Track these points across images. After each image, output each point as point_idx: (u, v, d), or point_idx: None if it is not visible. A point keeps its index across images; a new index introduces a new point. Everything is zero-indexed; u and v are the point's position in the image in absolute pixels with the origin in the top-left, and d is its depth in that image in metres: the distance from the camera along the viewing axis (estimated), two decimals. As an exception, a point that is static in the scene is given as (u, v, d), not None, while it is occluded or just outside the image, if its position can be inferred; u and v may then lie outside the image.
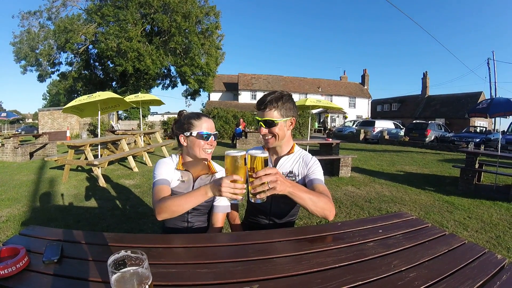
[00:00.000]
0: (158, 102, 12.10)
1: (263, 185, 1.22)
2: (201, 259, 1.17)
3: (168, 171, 1.66)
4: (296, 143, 1.85)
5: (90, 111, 8.20)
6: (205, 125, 1.62)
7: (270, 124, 1.62)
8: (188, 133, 1.60)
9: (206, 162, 1.74)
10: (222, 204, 1.72)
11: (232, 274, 1.05)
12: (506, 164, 7.49)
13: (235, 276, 1.03)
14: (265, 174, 1.21)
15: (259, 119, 1.65)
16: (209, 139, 1.60)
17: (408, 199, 5.43)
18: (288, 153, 1.76)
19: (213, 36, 27.86)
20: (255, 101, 1.70)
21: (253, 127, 17.32)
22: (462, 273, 1.09)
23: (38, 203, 4.88)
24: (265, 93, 1.66)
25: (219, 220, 1.72)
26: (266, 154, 1.25)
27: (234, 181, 1.22)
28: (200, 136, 1.59)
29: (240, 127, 15.70)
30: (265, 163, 1.24)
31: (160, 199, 1.46)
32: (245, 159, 1.24)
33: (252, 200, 1.27)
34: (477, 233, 3.87)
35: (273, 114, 1.61)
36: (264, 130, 1.63)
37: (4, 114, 19.82)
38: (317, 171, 1.73)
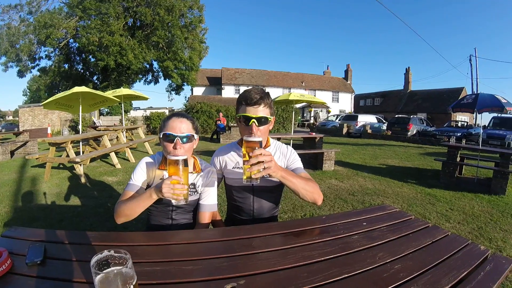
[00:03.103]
0: (142, 98, 11.97)
1: (259, 164, 1.24)
2: (187, 256, 1.16)
3: (147, 174, 1.62)
4: (280, 138, 1.85)
5: (82, 106, 8.05)
6: (171, 125, 1.53)
7: (264, 121, 1.56)
8: (160, 135, 1.55)
9: (192, 161, 1.71)
10: (208, 202, 1.70)
11: (218, 270, 1.04)
12: (487, 157, 7.68)
13: (221, 272, 1.03)
14: (261, 154, 1.24)
15: (252, 116, 1.53)
16: (174, 140, 1.49)
17: (391, 192, 5.52)
18: (265, 147, 1.74)
19: (196, 30, 27.58)
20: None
21: (232, 123, 16.87)
22: (447, 264, 1.11)
23: (20, 203, 4.75)
24: (248, 88, 1.62)
25: (205, 217, 1.70)
26: (260, 139, 1.29)
27: (175, 183, 1.24)
28: (165, 137, 1.52)
29: (221, 121, 15.55)
30: (260, 146, 1.29)
31: (117, 203, 1.47)
32: (186, 161, 1.27)
33: (245, 182, 1.29)
34: (459, 225, 3.96)
35: (267, 111, 1.58)
36: (256, 128, 1.53)
37: (-17, 112, 19.22)
38: (296, 160, 1.76)
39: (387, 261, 1.12)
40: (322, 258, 1.14)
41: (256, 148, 1.26)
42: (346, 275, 1.01)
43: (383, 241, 1.31)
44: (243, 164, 1.28)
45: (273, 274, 1.03)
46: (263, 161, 1.25)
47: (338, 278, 1.00)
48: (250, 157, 1.24)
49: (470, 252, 1.24)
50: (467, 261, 1.14)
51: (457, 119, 24.61)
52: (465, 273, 1.05)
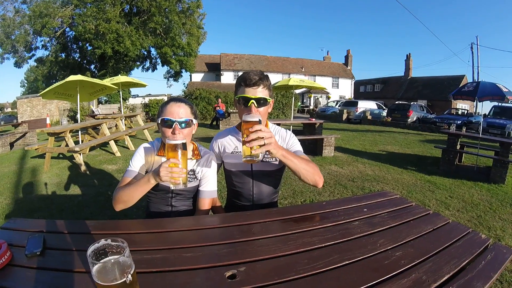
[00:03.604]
0: (141, 85, 11.93)
1: (259, 140, 1.22)
2: (186, 243, 1.15)
3: (146, 160, 1.61)
4: (280, 123, 1.84)
5: (81, 95, 8.11)
6: (169, 110, 1.51)
7: (263, 102, 1.55)
8: (158, 120, 1.53)
9: (191, 147, 1.70)
10: (208, 189, 1.69)
11: (218, 257, 1.04)
12: (487, 146, 7.65)
13: (221, 259, 1.02)
14: (261, 130, 1.22)
15: (252, 97, 1.52)
16: (172, 126, 1.47)
17: (390, 178, 5.53)
18: None
19: (194, 15, 27.24)
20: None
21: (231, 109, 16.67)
22: (448, 252, 1.11)
23: (21, 194, 4.75)
24: (247, 70, 1.60)
25: (205, 204, 1.69)
26: (259, 117, 1.27)
27: (172, 166, 1.22)
28: (163, 122, 1.50)
29: (220, 107, 15.49)
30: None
31: (115, 190, 1.46)
32: (184, 145, 1.26)
33: (245, 160, 1.28)
34: (458, 212, 3.97)
35: (266, 93, 1.56)
36: (256, 109, 1.52)
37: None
38: (295, 144, 1.75)
39: (388, 248, 1.12)
40: (323, 245, 1.13)
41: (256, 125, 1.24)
42: (347, 262, 1.01)
43: (384, 228, 1.30)
44: (242, 145, 1.26)
45: (273, 261, 1.02)
46: (263, 137, 1.23)
47: (339, 264, 0.99)
48: (251, 129, 1.22)
49: (471, 240, 1.23)
50: (468, 250, 1.14)
51: (457, 107, 24.55)
52: (466, 261, 1.05)
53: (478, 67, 27.01)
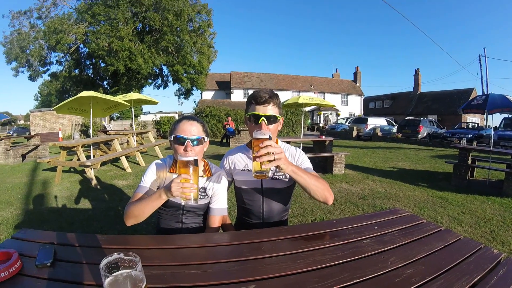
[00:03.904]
0: (152, 102, 12.10)
1: (269, 155, 1.24)
2: (196, 259, 1.15)
3: (158, 176, 1.63)
4: (290, 141, 1.85)
5: (95, 111, 8.29)
6: (182, 128, 1.54)
7: (273, 120, 1.57)
8: (171, 138, 1.55)
9: (202, 164, 1.71)
10: (218, 206, 1.69)
11: (228, 274, 1.04)
12: (498, 159, 7.56)
13: (231, 276, 1.02)
14: (271, 145, 1.24)
15: (262, 114, 1.54)
16: (184, 143, 1.49)
17: (402, 195, 5.46)
18: None
19: (205, 34, 27.89)
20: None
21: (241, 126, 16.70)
22: (459, 269, 1.09)
23: (31, 206, 4.82)
24: (257, 89, 1.63)
25: (215, 221, 1.69)
26: (269, 134, 1.30)
27: (184, 181, 1.23)
28: (175, 140, 1.52)
29: (230, 125, 15.58)
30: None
31: (127, 205, 1.48)
32: (196, 161, 1.26)
33: (253, 175, 1.29)
34: (471, 228, 3.89)
35: (276, 110, 1.59)
36: (266, 126, 1.55)
37: (-6, 116, 19.62)
38: (305, 161, 1.75)
39: (399, 265, 1.10)
40: (333, 263, 1.12)
41: (266, 141, 1.26)
42: (358, 280, 1.00)
43: (395, 246, 1.29)
44: (253, 161, 1.27)
45: (283, 279, 1.01)
46: (273, 153, 1.25)
47: (349, 283, 0.98)
48: (261, 144, 1.25)
49: (483, 256, 1.21)
50: (480, 265, 1.12)
51: (467, 121, 24.30)
52: (478, 277, 1.03)
53: (486, 79, 26.73)
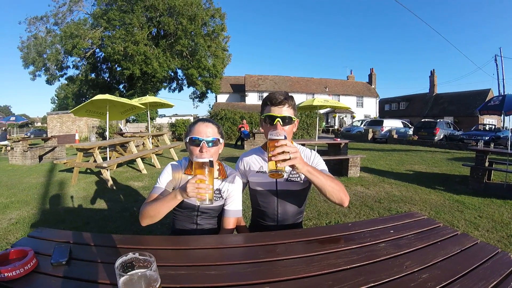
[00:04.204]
0: (168, 105, 12.23)
1: (285, 154, 1.23)
2: (210, 260, 1.16)
3: (173, 177, 1.64)
4: (305, 144, 1.84)
5: (113, 114, 8.44)
6: (197, 130, 1.56)
7: (289, 121, 1.58)
8: (186, 139, 1.57)
9: (217, 166, 1.72)
10: (233, 208, 1.70)
11: (242, 276, 1.04)
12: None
13: (244, 278, 1.02)
14: (286, 145, 1.24)
15: (277, 115, 1.55)
16: (200, 144, 1.51)
17: (418, 199, 5.37)
18: None
19: (219, 38, 28.06)
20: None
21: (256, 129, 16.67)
22: (475, 274, 1.07)
23: (48, 205, 4.92)
24: (271, 91, 1.62)
25: (230, 223, 1.69)
26: (284, 134, 1.29)
27: (199, 182, 1.23)
28: (191, 141, 1.54)
29: (245, 128, 15.63)
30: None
31: (142, 205, 1.49)
32: (211, 162, 1.27)
33: (268, 174, 1.28)
34: (488, 233, 3.80)
35: (291, 112, 1.59)
36: (281, 127, 1.55)
37: (13, 118, 20.19)
38: (320, 163, 1.73)
39: (415, 270, 1.08)
40: (348, 266, 1.11)
41: (281, 141, 1.26)
42: (372, 284, 0.99)
43: (411, 250, 1.27)
44: (268, 161, 1.27)
45: (297, 282, 1.01)
46: (288, 152, 1.24)
47: (364, 287, 0.97)
48: (276, 144, 1.24)
49: (499, 261, 1.18)
50: (496, 271, 1.09)
51: (484, 122, 23.80)
52: (494, 283, 1.01)
53: (503, 79, 26.31)
